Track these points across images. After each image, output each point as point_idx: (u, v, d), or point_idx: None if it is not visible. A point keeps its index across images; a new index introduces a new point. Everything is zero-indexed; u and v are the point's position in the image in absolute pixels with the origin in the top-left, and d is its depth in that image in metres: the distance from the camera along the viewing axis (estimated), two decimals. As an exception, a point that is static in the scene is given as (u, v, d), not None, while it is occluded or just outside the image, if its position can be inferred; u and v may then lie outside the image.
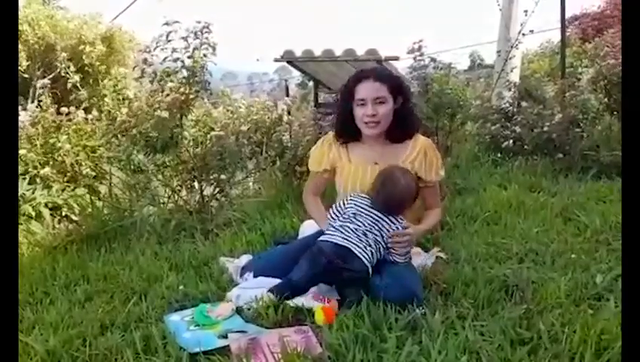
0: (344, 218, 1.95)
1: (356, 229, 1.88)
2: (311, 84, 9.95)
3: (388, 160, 2.09)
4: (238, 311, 1.83)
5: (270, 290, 1.83)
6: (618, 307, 1.59)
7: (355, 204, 1.97)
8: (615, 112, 4.42)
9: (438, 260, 2.28)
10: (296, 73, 8.91)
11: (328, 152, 2.21)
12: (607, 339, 1.39)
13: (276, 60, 7.94)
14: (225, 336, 1.63)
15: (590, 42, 12.08)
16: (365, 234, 1.87)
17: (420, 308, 1.68)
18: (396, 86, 2.11)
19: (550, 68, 13.47)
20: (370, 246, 1.86)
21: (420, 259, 2.25)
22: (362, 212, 1.94)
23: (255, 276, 2.06)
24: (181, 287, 2.01)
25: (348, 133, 2.18)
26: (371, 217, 1.92)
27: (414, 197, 2.01)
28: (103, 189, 3.24)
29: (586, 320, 1.47)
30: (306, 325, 1.67)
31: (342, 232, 1.89)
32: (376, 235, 1.89)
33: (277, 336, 1.55)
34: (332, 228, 1.94)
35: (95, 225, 2.93)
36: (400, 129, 2.12)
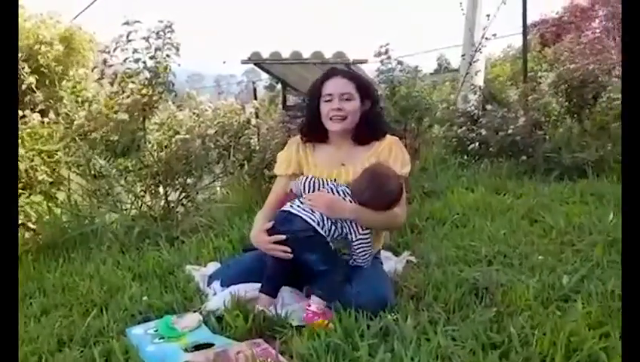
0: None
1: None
2: (279, 86, 9.87)
3: (355, 161, 2.04)
4: (205, 321, 1.76)
5: (260, 290, 1.82)
6: (585, 308, 1.61)
7: (331, 188, 1.89)
8: (575, 115, 4.56)
9: (409, 264, 2.28)
10: (264, 75, 8.82)
11: (296, 155, 2.15)
12: (576, 341, 1.40)
13: (243, 62, 7.85)
14: (191, 350, 1.56)
15: (549, 47, 12.55)
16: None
17: (392, 314, 1.66)
18: (364, 87, 2.07)
19: (512, 72, 13.89)
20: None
21: (391, 263, 2.25)
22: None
23: (223, 285, 1.99)
24: (145, 298, 1.93)
25: (314, 131, 2.11)
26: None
27: (398, 199, 1.93)
28: (60, 196, 3.09)
29: (555, 323, 1.48)
30: (264, 337, 1.63)
31: (291, 204, 1.85)
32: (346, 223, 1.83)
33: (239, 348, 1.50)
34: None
35: (53, 233, 2.79)
36: (367, 131, 2.07)
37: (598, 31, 10.41)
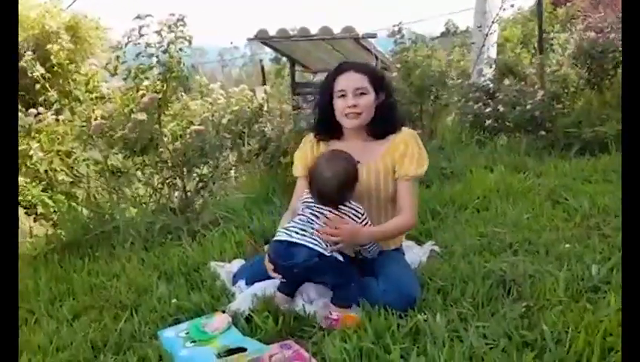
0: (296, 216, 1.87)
1: (300, 220, 1.80)
2: (285, 59, 9.72)
3: (369, 157, 1.98)
4: (234, 322, 1.78)
5: (278, 289, 1.83)
6: (617, 303, 1.59)
7: (304, 201, 1.88)
8: (595, 86, 4.45)
9: (433, 254, 2.27)
10: (269, 48, 8.68)
11: (310, 154, 2.11)
12: (611, 341, 1.39)
13: (250, 40, 7.74)
14: (224, 355, 1.58)
15: (561, 7, 12.17)
16: (310, 222, 1.78)
17: (422, 313, 1.66)
18: (378, 79, 2.01)
19: (523, 35, 13.54)
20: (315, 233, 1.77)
21: (415, 253, 2.24)
22: (309, 206, 1.84)
23: (248, 283, 2.01)
24: (174, 301, 1.94)
25: (328, 129, 2.06)
26: (313, 209, 1.82)
27: (350, 179, 1.82)
28: (80, 194, 3.11)
29: (589, 322, 1.47)
30: (290, 338, 1.63)
31: (286, 229, 1.81)
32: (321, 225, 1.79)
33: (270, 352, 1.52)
34: (281, 229, 1.87)
35: (75, 230, 2.82)
36: (382, 124, 2.01)
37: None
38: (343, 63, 2.09)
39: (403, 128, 2.05)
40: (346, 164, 1.83)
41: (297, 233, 1.77)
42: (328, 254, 1.74)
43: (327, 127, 2.06)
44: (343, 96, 1.96)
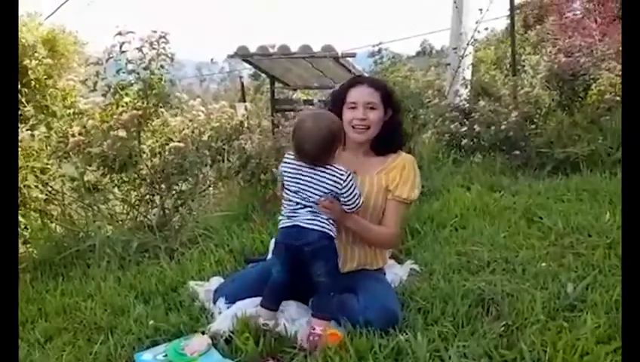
0: (287, 195, 1.85)
1: (297, 203, 1.80)
2: (264, 75, 9.73)
3: (366, 171, 2.02)
4: (214, 344, 1.75)
5: (261, 305, 1.80)
6: (593, 320, 1.63)
7: (285, 170, 1.84)
8: (566, 108, 4.59)
9: (412, 273, 2.29)
10: (248, 64, 8.68)
11: None
12: (587, 360, 1.42)
13: (230, 57, 7.75)
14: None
15: (532, 30, 12.62)
16: (305, 199, 1.78)
17: (404, 333, 1.66)
18: (389, 96, 2.06)
19: (496, 57, 13.96)
20: (313, 211, 1.78)
21: (395, 273, 2.25)
22: (293, 174, 1.82)
23: (227, 301, 1.98)
24: (151, 322, 1.90)
25: None
26: (300, 175, 1.80)
27: (332, 138, 1.78)
28: (55, 211, 3.03)
29: (566, 341, 1.50)
30: (271, 359, 1.62)
31: (288, 213, 1.82)
32: (313, 192, 1.78)
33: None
34: (282, 216, 1.87)
35: (49, 248, 2.74)
36: (386, 141, 2.05)
37: (578, 12, 10.48)
38: (358, 76, 2.16)
39: (402, 152, 2.10)
40: (331, 123, 1.81)
41: (302, 217, 1.78)
42: (333, 234, 1.78)
43: None
44: (353, 108, 2.00)
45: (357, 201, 1.82)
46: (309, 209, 1.79)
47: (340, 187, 1.78)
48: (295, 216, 1.81)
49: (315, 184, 1.78)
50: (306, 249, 1.76)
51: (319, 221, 1.78)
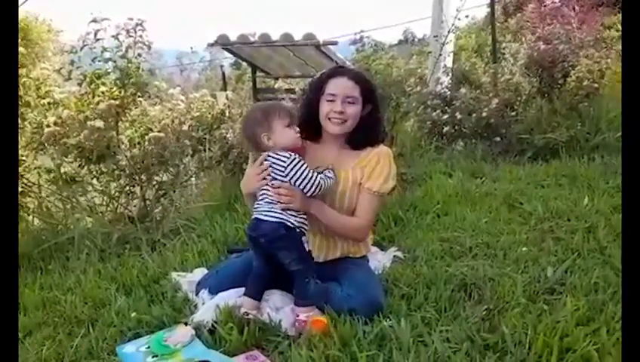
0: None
1: (261, 195, 1.81)
2: (245, 64, 9.62)
3: (341, 165, 1.99)
4: (198, 335, 1.74)
5: (244, 294, 1.80)
6: (572, 303, 1.66)
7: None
8: (546, 95, 4.65)
9: (396, 259, 2.30)
10: (229, 53, 8.54)
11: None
12: (568, 341, 1.44)
13: (210, 45, 7.63)
14: (187, 368, 1.54)
15: (512, 18, 12.73)
16: (264, 190, 1.79)
17: (387, 319, 1.67)
18: (369, 91, 2.00)
19: (477, 44, 14.07)
20: (270, 202, 1.77)
21: (378, 260, 2.26)
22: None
23: (212, 292, 1.96)
24: (133, 314, 1.87)
25: (309, 130, 2.01)
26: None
27: (246, 124, 1.83)
28: (31, 204, 2.95)
29: (547, 324, 1.52)
30: (256, 349, 1.62)
31: (254, 206, 1.84)
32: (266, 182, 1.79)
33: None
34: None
35: (26, 242, 2.67)
36: (362, 135, 2.00)
37: (557, 0, 10.60)
38: (339, 67, 2.09)
39: (381, 146, 2.05)
40: (248, 112, 1.92)
41: (261, 210, 1.79)
42: (289, 224, 1.75)
43: (309, 127, 2.01)
44: (332, 100, 1.95)
45: (310, 183, 1.77)
46: (267, 199, 1.79)
47: (285, 172, 1.75)
48: (256, 208, 1.82)
49: (264, 174, 1.80)
50: (262, 240, 1.77)
51: (274, 211, 1.77)
